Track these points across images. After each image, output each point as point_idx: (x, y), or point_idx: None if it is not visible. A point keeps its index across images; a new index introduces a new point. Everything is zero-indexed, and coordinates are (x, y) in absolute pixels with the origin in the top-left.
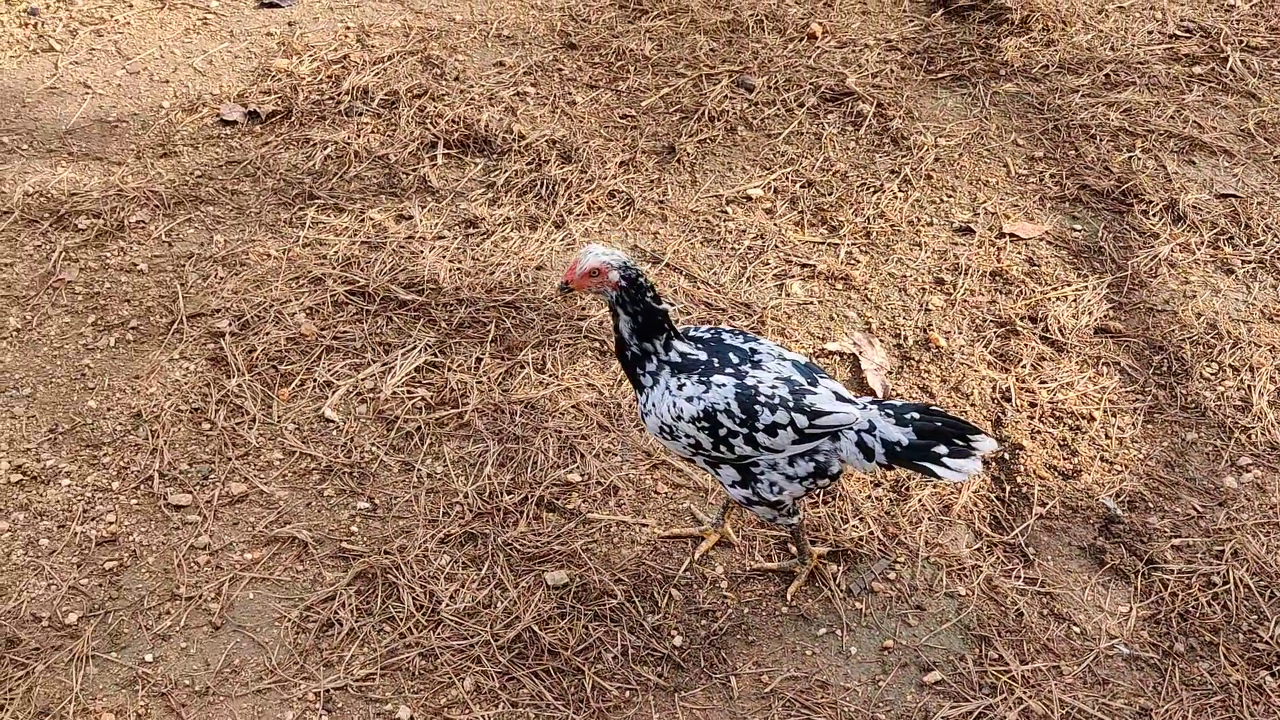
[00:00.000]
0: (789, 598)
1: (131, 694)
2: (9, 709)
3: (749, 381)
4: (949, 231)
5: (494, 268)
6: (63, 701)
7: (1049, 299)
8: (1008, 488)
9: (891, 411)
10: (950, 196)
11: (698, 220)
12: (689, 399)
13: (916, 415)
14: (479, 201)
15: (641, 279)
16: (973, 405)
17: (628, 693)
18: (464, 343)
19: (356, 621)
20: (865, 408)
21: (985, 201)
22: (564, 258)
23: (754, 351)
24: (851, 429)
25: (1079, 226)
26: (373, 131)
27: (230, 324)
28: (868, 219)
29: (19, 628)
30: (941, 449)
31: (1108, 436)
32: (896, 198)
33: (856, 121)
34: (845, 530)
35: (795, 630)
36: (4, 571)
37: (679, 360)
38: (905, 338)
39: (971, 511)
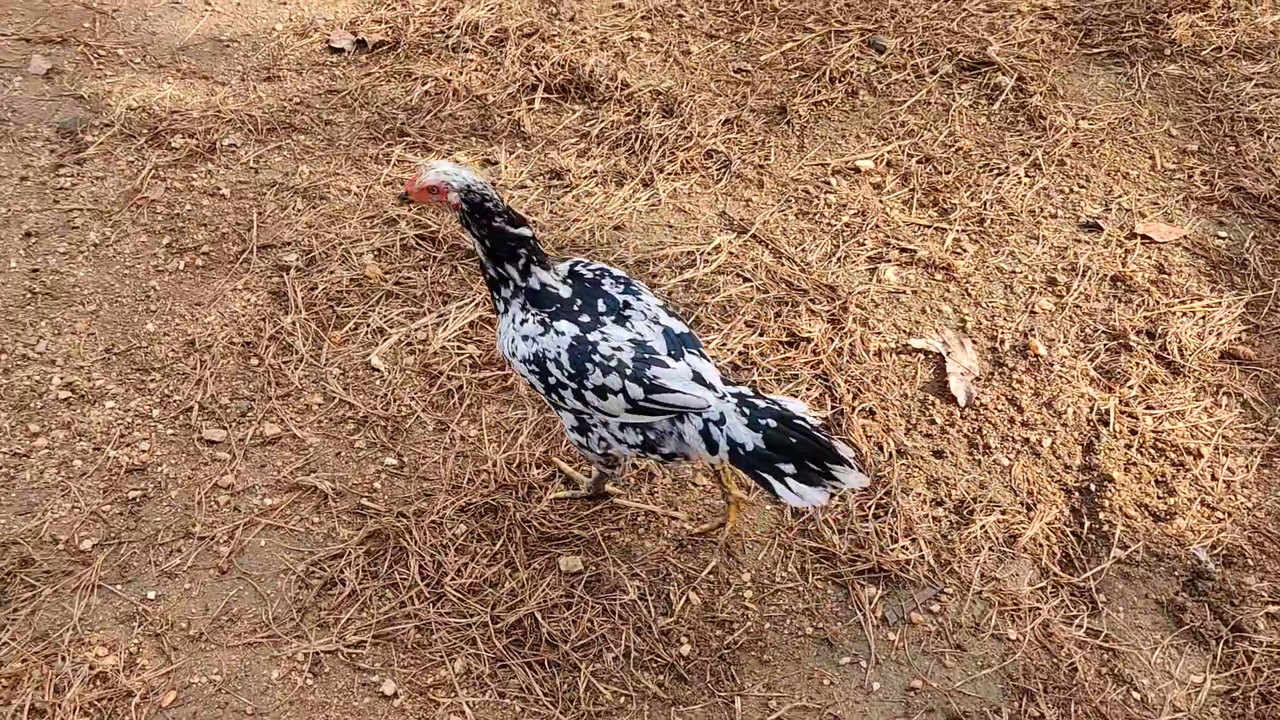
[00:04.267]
0: (550, 496)
1: (128, 630)
2: (9, 629)
3: (591, 336)
4: (1073, 226)
5: (570, 224)
6: (61, 629)
7: (1173, 313)
8: (1087, 523)
9: (748, 411)
10: (1082, 187)
11: (796, 190)
12: (525, 338)
13: (773, 423)
14: (569, 152)
15: (488, 204)
16: (1064, 425)
17: (622, 699)
18: None
19: (359, 584)
20: (725, 398)
21: (1121, 196)
22: (646, 218)
23: (627, 305)
24: (699, 415)
25: (1224, 234)
26: (476, 69)
27: (297, 258)
28: (984, 204)
29: (36, 548)
30: (789, 468)
31: (1214, 478)
32: (1021, 183)
33: (992, 95)
34: (892, 551)
35: (816, 655)
36: (34, 489)
37: (537, 290)
38: (1002, 341)
39: (1041, 545)
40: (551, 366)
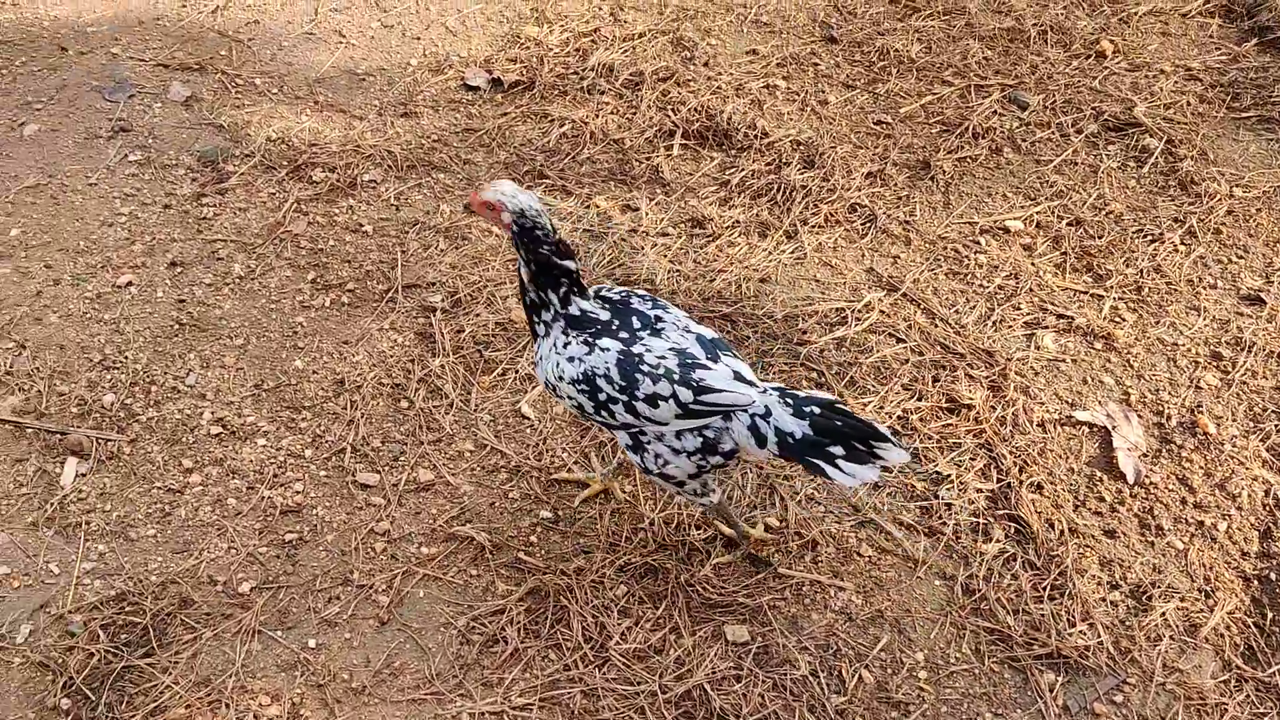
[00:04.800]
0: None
1: (290, 679)
2: (172, 672)
3: (635, 349)
4: (1234, 298)
5: (715, 274)
6: (224, 675)
7: None
8: (1269, 614)
9: (791, 401)
10: (1241, 258)
11: (945, 248)
12: (570, 359)
13: (816, 410)
14: (710, 200)
15: (538, 231)
16: (1239, 509)
17: None
18: None
19: (522, 642)
20: (766, 392)
21: None
22: (791, 271)
23: (659, 319)
24: (745, 411)
25: None
26: (612, 112)
27: (443, 299)
28: (1140, 271)
29: (195, 588)
30: (838, 450)
31: None
32: (1177, 251)
33: (1140, 157)
34: (1070, 635)
35: None
36: (190, 527)
37: (576, 315)
38: (1168, 416)
39: (1222, 636)
40: (602, 382)
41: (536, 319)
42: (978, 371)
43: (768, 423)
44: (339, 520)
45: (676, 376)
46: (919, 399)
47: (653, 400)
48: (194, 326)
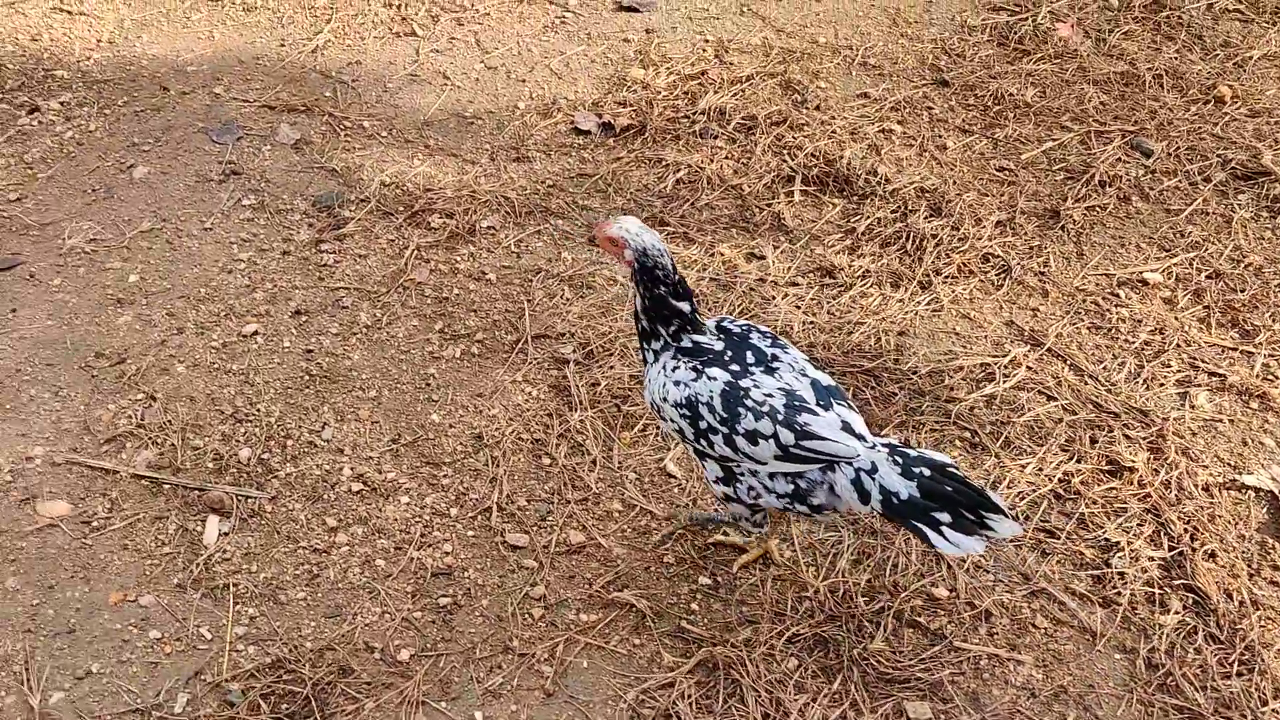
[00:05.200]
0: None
1: None
2: None
3: (743, 382)
4: None
5: (851, 326)
6: None
7: None
8: None
9: (901, 460)
10: None
11: (1084, 301)
12: (676, 383)
13: (926, 471)
14: (836, 248)
15: (658, 270)
16: None
17: None
18: None
19: (695, 718)
20: (875, 447)
21: None
22: (929, 324)
23: (775, 358)
24: (850, 464)
25: None
26: (726, 157)
27: (574, 351)
28: None
29: (352, 655)
30: (944, 516)
31: None
32: None
33: (1273, 207)
34: (1264, 715)
35: None
36: (341, 589)
37: (689, 347)
38: None
39: None
40: (704, 410)
41: (647, 346)
42: (1135, 432)
43: (873, 479)
44: (492, 583)
45: (781, 417)
46: (1078, 460)
47: (753, 437)
48: (324, 377)
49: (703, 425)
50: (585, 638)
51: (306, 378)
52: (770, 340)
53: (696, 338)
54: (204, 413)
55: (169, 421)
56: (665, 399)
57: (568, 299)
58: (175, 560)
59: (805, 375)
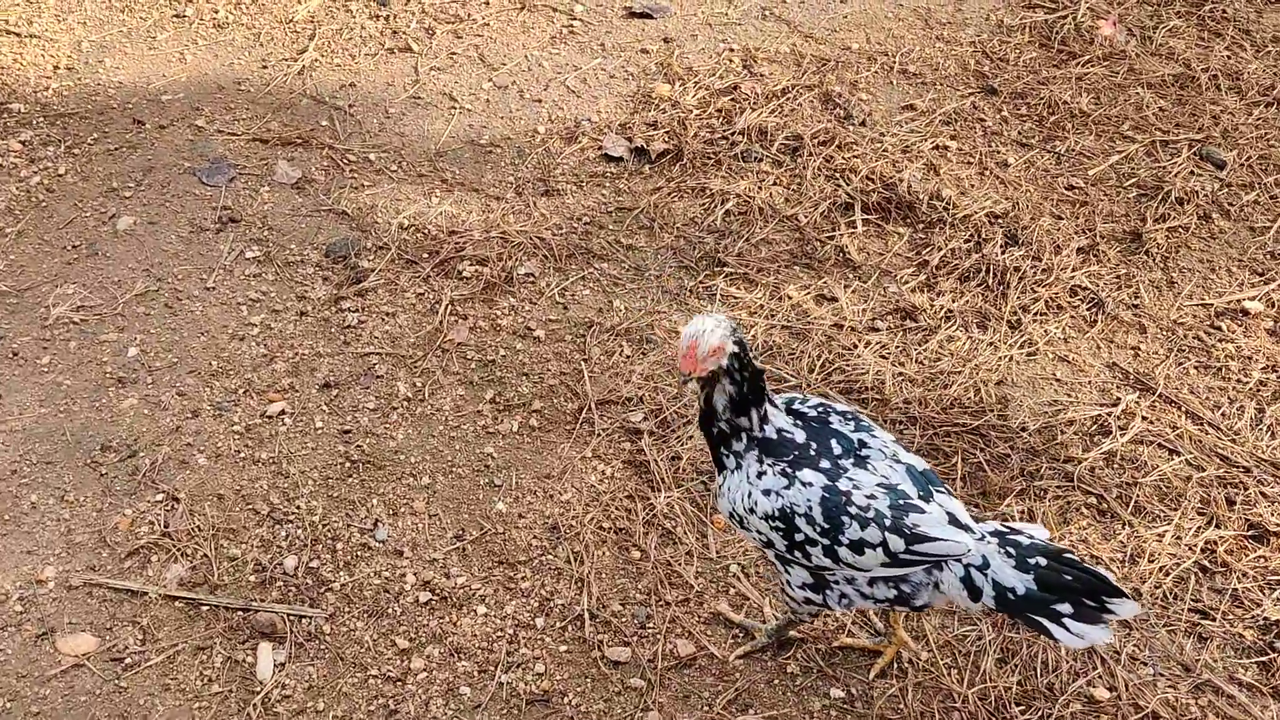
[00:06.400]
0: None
1: None
2: None
3: (841, 485)
4: None
5: (945, 377)
6: None
7: None
8: None
9: (1013, 551)
10: None
11: (1185, 336)
12: (765, 492)
13: (1043, 562)
14: (910, 284)
15: (745, 351)
16: None
17: None
18: None
19: None
20: (983, 539)
21: None
22: (1026, 370)
23: (862, 444)
24: (960, 561)
25: None
26: (775, 183)
27: (645, 419)
28: None
29: None
30: (1065, 607)
31: None
32: None
33: None
34: None
35: None
36: None
37: (773, 438)
38: None
39: None
40: (801, 523)
41: (725, 450)
42: (1270, 488)
43: (985, 575)
44: (597, 710)
45: (888, 522)
46: (1218, 526)
47: (858, 547)
48: (368, 464)
49: (799, 538)
50: None
51: (348, 464)
52: (853, 422)
53: (781, 423)
54: (236, 514)
55: (198, 527)
56: (752, 510)
57: (628, 356)
58: (228, 701)
59: (899, 461)
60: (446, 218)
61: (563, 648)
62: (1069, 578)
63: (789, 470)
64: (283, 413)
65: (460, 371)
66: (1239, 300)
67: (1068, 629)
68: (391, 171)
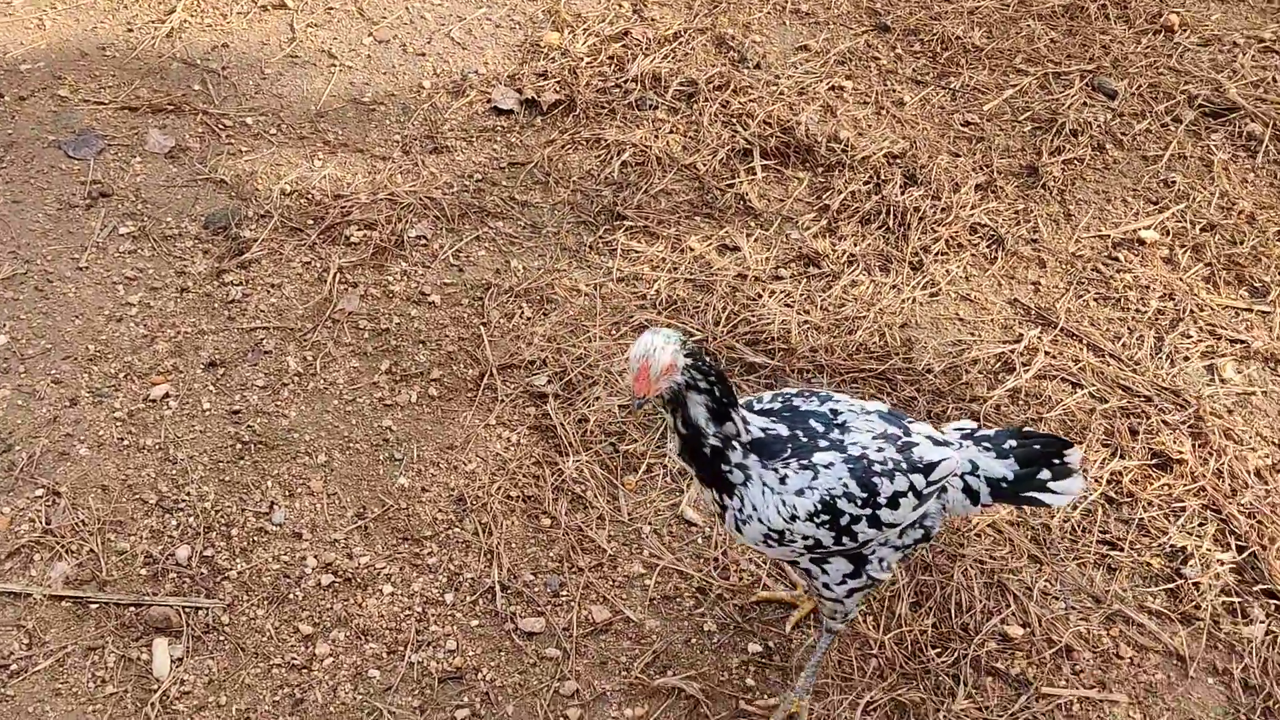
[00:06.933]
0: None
1: None
2: None
3: (854, 451)
4: None
5: (850, 323)
6: None
7: None
8: None
9: (989, 445)
10: None
11: (1083, 268)
12: (799, 492)
13: (1014, 442)
14: (812, 230)
15: (705, 357)
16: None
17: None
18: None
19: None
20: (961, 446)
21: None
22: (929, 311)
23: (835, 412)
24: (957, 476)
25: None
26: (672, 131)
27: (550, 382)
28: None
29: None
30: (1045, 474)
31: None
32: None
33: (1249, 146)
34: None
35: None
36: (334, 714)
37: (761, 438)
38: None
39: None
40: (843, 504)
41: (727, 466)
42: (1172, 416)
43: (978, 477)
44: (512, 683)
45: (905, 465)
46: (1123, 457)
47: (894, 501)
48: (260, 444)
49: (844, 521)
50: None
51: (239, 446)
52: (814, 396)
53: (757, 421)
54: (123, 505)
55: (82, 521)
56: (794, 517)
57: (529, 318)
58: (124, 702)
59: (869, 411)
60: (331, 181)
61: (474, 622)
62: (1038, 446)
63: (804, 462)
64: (167, 396)
65: (353, 342)
66: (1135, 230)
67: (1054, 491)
68: (271, 135)
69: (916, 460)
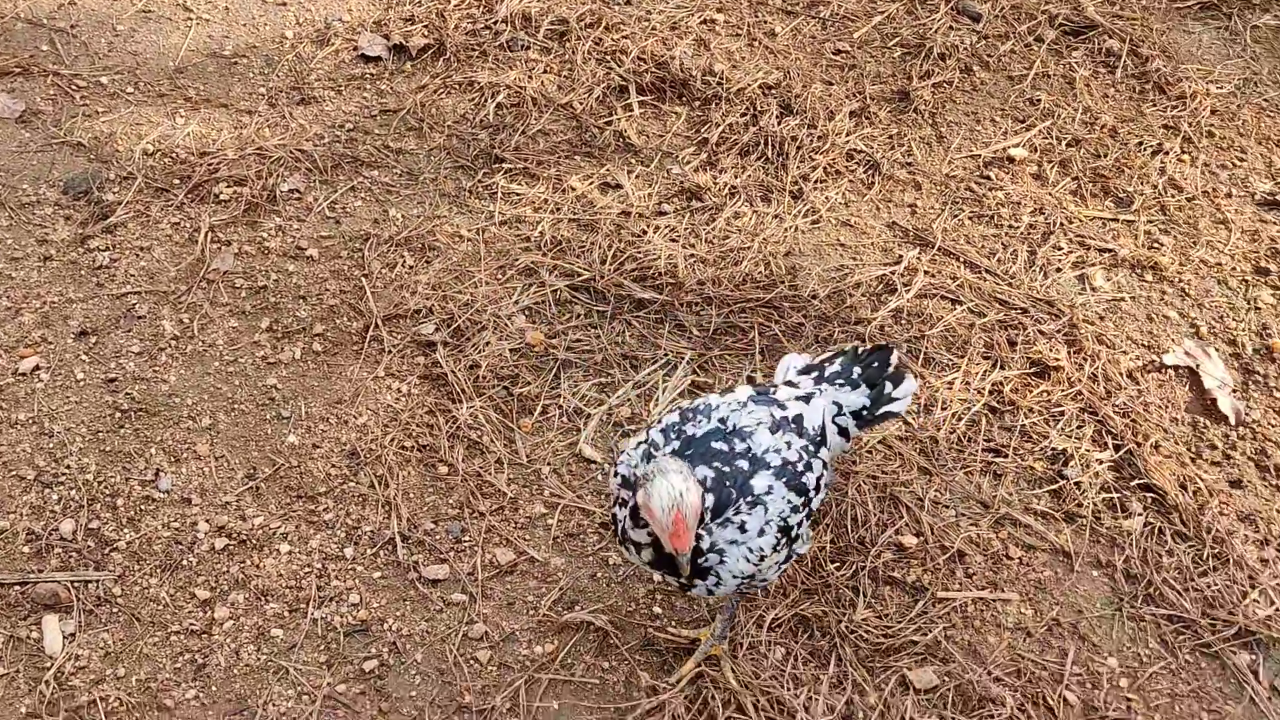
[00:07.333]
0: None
1: None
2: None
3: (774, 461)
4: (1251, 205)
5: (735, 254)
6: None
7: None
8: None
9: (842, 380)
10: (1242, 160)
11: (958, 188)
12: (759, 532)
13: (858, 369)
14: (693, 164)
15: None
16: None
17: None
18: (727, 356)
19: None
20: (822, 391)
21: None
22: (811, 238)
23: (724, 421)
24: (831, 423)
25: None
26: (546, 71)
27: (439, 330)
28: (1158, 189)
29: None
30: (889, 387)
31: None
32: (1182, 161)
33: (1109, 62)
34: (1247, 607)
35: None
36: (238, 677)
37: (710, 502)
38: (1242, 345)
39: None
40: (792, 518)
41: (703, 558)
42: (1048, 325)
43: (844, 415)
44: (420, 631)
45: (810, 446)
46: (1003, 367)
47: (818, 485)
48: (140, 411)
49: (793, 531)
50: (547, 674)
51: (118, 415)
52: (696, 416)
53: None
54: None
55: None
56: (763, 555)
57: (411, 267)
58: (16, 682)
59: (746, 406)
60: (195, 138)
61: (376, 574)
62: (875, 364)
63: (748, 499)
64: (37, 368)
65: (230, 302)
66: (1004, 148)
67: (898, 399)
68: (128, 94)
69: (813, 434)
